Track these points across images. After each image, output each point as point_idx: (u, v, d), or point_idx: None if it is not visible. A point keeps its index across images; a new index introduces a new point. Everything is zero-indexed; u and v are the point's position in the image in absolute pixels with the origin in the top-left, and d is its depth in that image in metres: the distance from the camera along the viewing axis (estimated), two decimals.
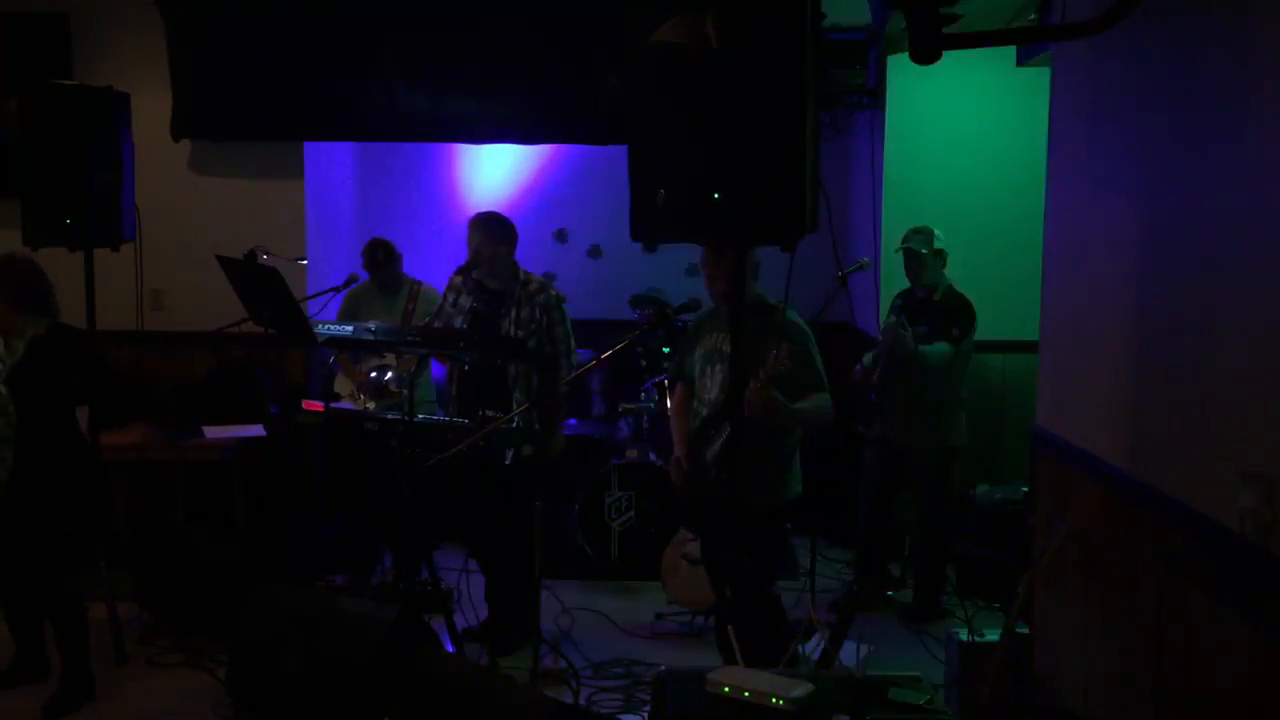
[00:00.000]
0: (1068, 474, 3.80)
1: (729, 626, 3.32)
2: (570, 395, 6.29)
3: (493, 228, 4.90)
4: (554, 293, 4.93)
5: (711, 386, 4.12)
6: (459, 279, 5.00)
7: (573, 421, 6.72)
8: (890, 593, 5.74)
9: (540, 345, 4.84)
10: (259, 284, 4.55)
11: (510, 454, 4.82)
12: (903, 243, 5.44)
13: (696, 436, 4.18)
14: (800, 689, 2.71)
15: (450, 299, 5.04)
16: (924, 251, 5.35)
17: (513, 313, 4.88)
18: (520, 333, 4.83)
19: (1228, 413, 2.72)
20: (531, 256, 5.10)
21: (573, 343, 4.95)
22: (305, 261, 6.08)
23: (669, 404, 6.44)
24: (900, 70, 6.24)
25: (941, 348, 5.26)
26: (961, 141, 6.26)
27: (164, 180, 6.12)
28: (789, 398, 3.90)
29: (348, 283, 5.86)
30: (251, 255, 5.35)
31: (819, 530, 5.32)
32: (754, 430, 3.83)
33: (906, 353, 5.15)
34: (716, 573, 4.13)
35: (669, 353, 6.64)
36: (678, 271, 7.46)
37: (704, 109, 2.80)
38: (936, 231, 5.41)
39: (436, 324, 5.05)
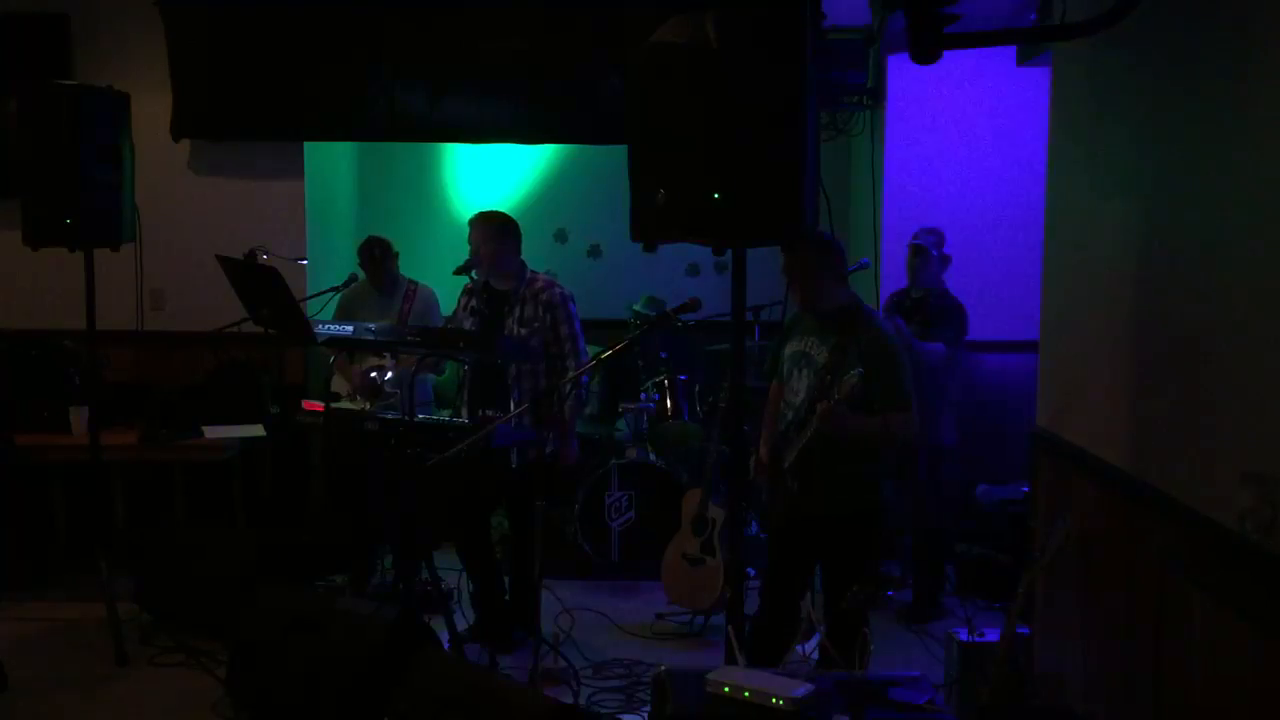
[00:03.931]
0: (1068, 474, 3.80)
1: (729, 626, 3.32)
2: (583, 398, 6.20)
3: (491, 225, 4.89)
4: (559, 290, 4.89)
5: (799, 389, 3.95)
6: (471, 284, 5.00)
7: None
8: (890, 593, 5.75)
9: (545, 345, 4.83)
10: (259, 284, 4.55)
11: (515, 456, 4.80)
12: (914, 238, 5.50)
13: (780, 439, 4.05)
14: (800, 689, 2.71)
15: (462, 303, 5.04)
16: (934, 253, 5.42)
17: (516, 311, 4.87)
18: (523, 331, 4.81)
19: (1228, 413, 2.72)
20: (531, 256, 5.09)
21: (581, 342, 4.90)
22: (305, 261, 6.07)
23: (669, 404, 6.49)
24: (900, 70, 6.24)
25: (937, 347, 5.29)
26: (961, 141, 6.26)
27: (164, 180, 6.11)
28: (868, 413, 3.77)
29: (347, 282, 5.85)
30: (251, 255, 5.35)
31: None
32: (829, 442, 3.77)
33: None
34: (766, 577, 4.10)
35: (665, 357, 6.64)
36: (678, 271, 7.45)
37: (704, 109, 2.79)
38: (946, 236, 5.51)
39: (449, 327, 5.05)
